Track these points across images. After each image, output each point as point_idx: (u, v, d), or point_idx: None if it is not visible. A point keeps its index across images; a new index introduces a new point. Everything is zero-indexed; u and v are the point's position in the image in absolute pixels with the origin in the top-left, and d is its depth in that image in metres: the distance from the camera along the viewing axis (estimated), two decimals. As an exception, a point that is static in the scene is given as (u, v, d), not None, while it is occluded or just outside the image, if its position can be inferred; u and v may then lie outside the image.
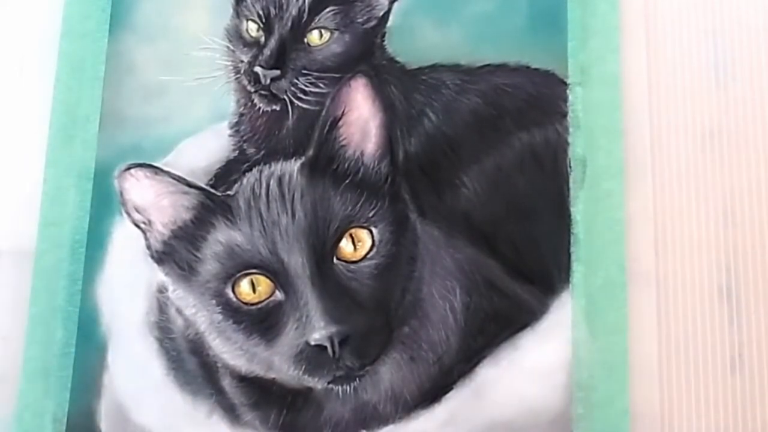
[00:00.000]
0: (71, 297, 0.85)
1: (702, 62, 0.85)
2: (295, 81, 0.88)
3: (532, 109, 0.86)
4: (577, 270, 0.81)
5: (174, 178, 0.84)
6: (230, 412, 0.82)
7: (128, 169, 0.85)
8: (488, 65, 0.88)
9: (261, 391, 0.82)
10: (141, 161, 0.86)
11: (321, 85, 0.88)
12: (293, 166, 0.84)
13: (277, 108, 0.88)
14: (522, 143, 0.85)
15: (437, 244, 0.83)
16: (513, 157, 0.85)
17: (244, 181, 0.84)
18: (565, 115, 0.85)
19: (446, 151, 0.86)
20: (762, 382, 0.78)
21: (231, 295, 0.81)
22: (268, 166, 0.85)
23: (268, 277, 0.80)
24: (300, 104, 0.88)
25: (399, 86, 0.88)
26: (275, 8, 0.89)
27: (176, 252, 0.84)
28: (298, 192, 0.82)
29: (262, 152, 0.87)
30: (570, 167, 0.84)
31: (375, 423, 0.81)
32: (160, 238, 0.84)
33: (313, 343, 0.78)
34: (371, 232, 0.81)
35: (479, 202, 0.84)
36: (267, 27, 0.89)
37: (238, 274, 0.81)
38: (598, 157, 0.83)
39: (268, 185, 0.83)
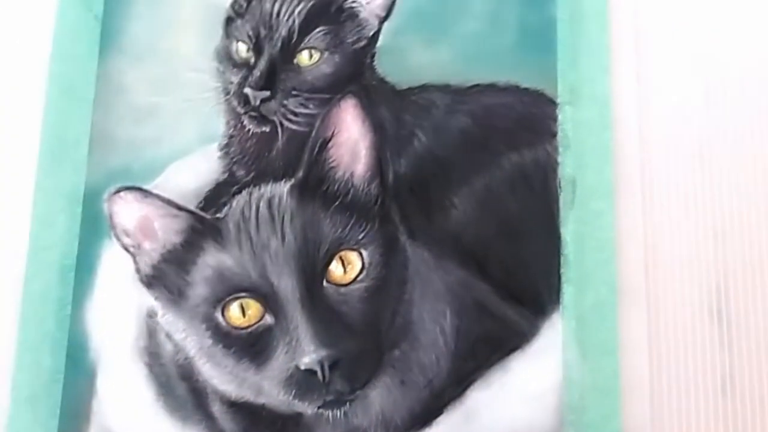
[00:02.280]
0: (60, 322, 0.84)
1: (692, 82, 0.86)
2: (285, 102, 0.88)
3: (521, 129, 0.86)
4: (568, 291, 0.81)
5: (163, 201, 0.84)
6: (220, 438, 0.83)
7: (118, 192, 0.84)
8: (478, 85, 0.88)
9: (251, 417, 0.82)
10: (130, 184, 0.86)
11: (311, 105, 0.88)
12: (283, 188, 0.84)
13: (267, 129, 0.88)
14: (511, 163, 0.85)
15: (427, 266, 0.83)
16: (503, 178, 0.85)
17: (234, 203, 0.84)
18: (554, 134, 0.85)
19: (436, 172, 0.86)
20: (753, 404, 0.78)
21: (220, 319, 0.80)
22: (257, 188, 0.85)
23: (257, 300, 0.80)
24: (290, 125, 0.87)
25: (389, 107, 0.88)
26: (265, 29, 0.89)
27: (166, 276, 0.83)
28: (287, 214, 0.82)
29: (252, 174, 0.87)
30: (560, 187, 0.84)
31: (366, 448, 0.81)
32: (149, 262, 0.84)
33: (303, 367, 0.78)
34: (361, 254, 0.81)
35: (469, 223, 0.84)
36: (257, 48, 0.89)
37: (228, 298, 0.80)
38: (587, 176, 0.83)
39: (257, 208, 0.83)
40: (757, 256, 0.81)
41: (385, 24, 0.90)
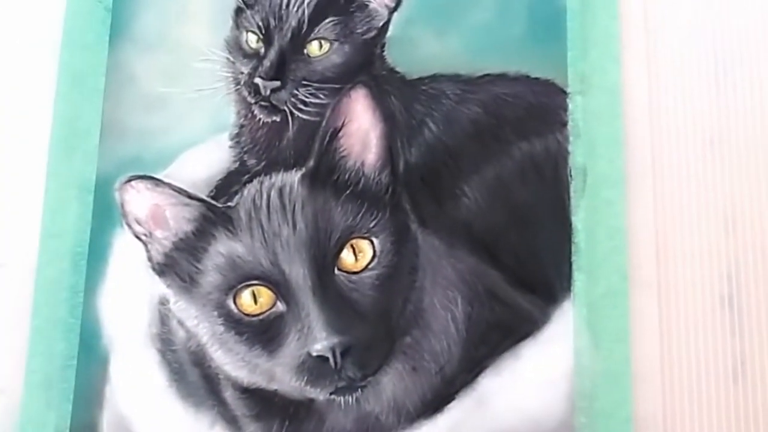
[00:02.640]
0: (73, 309, 0.85)
1: (702, 70, 0.85)
2: (295, 92, 0.88)
3: (532, 119, 0.86)
4: (579, 279, 0.81)
5: (175, 190, 0.84)
6: (232, 423, 0.82)
7: (129, 180, 0.85)
8: (488, 75, 0.88)
9: (263, 403, 0.82)
10: (142, 173, 0.86)
11: (321, 95, 0.88)
12: (294, 177, 0.84)
13: (278, 119, 0.88)
14: (522, 152, 0.85)
15: (438, 254, 0.83)
16: (513, 167, 0.85)
17: (245, 192, 0.84)
18: (565, 124, 0.85)
19: (447, 161, 0.86)
20: (764, 391, 0.78)
21: (232, 306, 0.81)
22: (268, 177, 0.85)
23: (269, 288, 0.80)
24: (300, 115, 0.88)
25: (399, 96, 0.88)
26: (275, 19, 0.89)
27: (177, 264, 0.84)
28: (298, 203, 0.82)
29: (263, 163, 0.87)
30: (570, 176, 0.84)
31: (377, 434, 0.81)
32: (161, 250, 0.84)
33: (314, 354, 0.78)
34: (372, 242, 0.81)
35: (480, 211, 0.84)
36: (267, 38, 0.89)
37: (240, 286, 0.81)
38: (598, 165, 0.83)
39: (268, 196, 0.83)
40: (768, 243, 0.81)
41: (395, 14, 0.90)
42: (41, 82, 0.90)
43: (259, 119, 0.89)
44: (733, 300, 0.80)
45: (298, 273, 0.80)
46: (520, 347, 0.81)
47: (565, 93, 0.86)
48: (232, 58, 0.91)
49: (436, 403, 0.80)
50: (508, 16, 0.88)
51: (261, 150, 0.88)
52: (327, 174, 0.83)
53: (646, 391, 0.79)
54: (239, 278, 0.81)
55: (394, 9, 0.90)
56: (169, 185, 0.84)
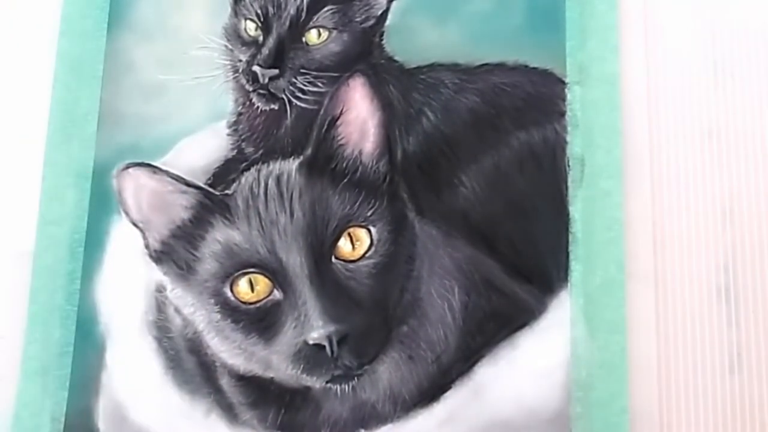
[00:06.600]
0: (70, 296, 0.85)
1: (700, 61, 0.85)
2: (294, 80, 0.88)
3: (530, 109, 0.86)
4: (576, 269, 0.81)
5: (172, 178, 0.84)
6: (228, 411, 0.82)
7: (127, 168, 0.84)
8: (486, 64, 0.88)
9: (259, 390, 0.82)
10: (139, 160, 0.86)
11: (319, 84, 0.88)
12: (291, 165, 0.84)
13: (276, 107, 0.88)
14: (520, 142, 0.85)
15: (436, 243, 0.83)
16: (511, 156, 0.85)
17: (243, 180, 0.84)
18: (563, 114, 0.85)
19: (445, 150, 0.86)
20: (760, 382, 0.78)
21: (229, 294, 0.81)
22: (266, 165, 0.85)
23: (266, 276, 0.80)
24: (298, 103, 0.88)
25: (397, 85, 0.88)
26: (273, 7, 0.89)
27: (175, 251, 0.84)
28: (296, 191, 0.82)
29: (261, 151, 0.87)
30: (568, 166, 0.84)
31: (373, 422, 0.81)
32: (158, 238, 0.84)
33: (311, 342, 0.78)
34: (369, 231, 0.81)
35: (478, 201, 0.84)
36: (265, 26, 0.89)
37: (237, 274, 0.81)
38: (596, 156, 0.83)
39: (266, 184, 0.83)
40: (765, 234, 0.81)
41: (394, 3, 0.90)
42: (39, 69, 0.90)
43: (257, 107, 0.89)
44: (729, 291, 0.80)
45: (295, 261, 0.80)
46: (517, 337, 0.81)
47: (563, 83, 0.86)
48: (230, 46, 0.91)
49: (432, 391, 0.80)
50: (506, 6, 0.88)
51: (259, 138, 0.88)
52: (325, 162, 0.83)
53: (642, 382, 0.79)
54: (236, 266, 0.81)
55: (393, -3, 0.90)
56: (167, 173, 0.84)
